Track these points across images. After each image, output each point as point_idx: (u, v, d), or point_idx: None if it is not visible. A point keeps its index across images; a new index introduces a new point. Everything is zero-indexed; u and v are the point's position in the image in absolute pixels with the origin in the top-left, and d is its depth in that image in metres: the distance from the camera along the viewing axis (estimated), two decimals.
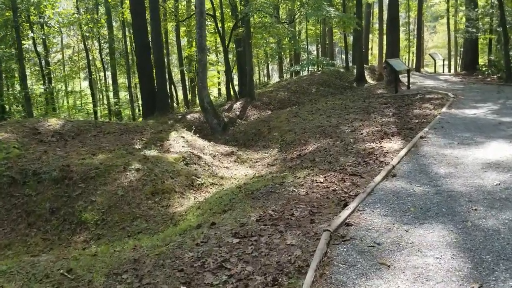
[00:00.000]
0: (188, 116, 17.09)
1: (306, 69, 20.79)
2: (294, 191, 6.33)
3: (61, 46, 29.34)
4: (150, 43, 17.87)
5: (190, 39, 29.45)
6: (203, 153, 10.11)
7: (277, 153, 11.02)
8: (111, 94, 26.44)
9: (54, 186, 7.49)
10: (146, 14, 18.81)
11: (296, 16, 19.10)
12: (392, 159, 7.66)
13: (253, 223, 5.23)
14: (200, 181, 8.30)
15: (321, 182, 6.77)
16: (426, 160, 7.43)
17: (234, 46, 24.85)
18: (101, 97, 29.84)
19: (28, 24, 15.53)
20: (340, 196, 6.02)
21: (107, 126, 10.41)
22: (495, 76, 20.50)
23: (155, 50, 17.82)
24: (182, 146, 10.03)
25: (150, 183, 7.67)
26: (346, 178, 6.93)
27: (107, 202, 7.24)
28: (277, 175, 8.00)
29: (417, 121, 11.11)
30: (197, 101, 35.59)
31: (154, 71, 18.55)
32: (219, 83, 39.77)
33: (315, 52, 42.27)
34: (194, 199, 7.73)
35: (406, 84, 19.08)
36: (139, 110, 38.78)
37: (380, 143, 9.11)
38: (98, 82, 32.72)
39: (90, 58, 29.78)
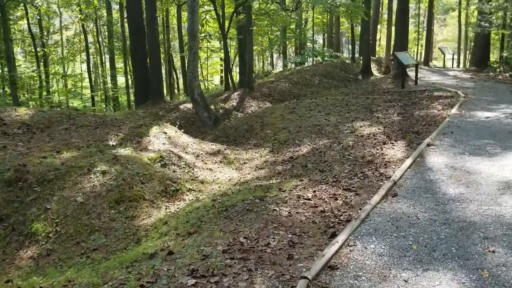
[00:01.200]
0: (181, 106, 16.02)
1: (307, 60, 19.57)
2: (275, 210, 5.29)
3: (59, 27, 28.20)
4: (145, 27, 16.75)
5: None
6: (186, 152, 9.06)
7: (268, 154, 9.96)
8: (108, 79, 25.34)
9: (5, 189, 6.49)
10: None
11: (302, 4, 17.85)
12: (394, 172, 6.59)
13: (218, 255, 4.20)
14: (176, 186, 7.27)
15: (309, 199, 5.72)
16: (433, 175, 6.35)
17: (236, 33, 23.67)
18: (100, 81, 28.77)
19: (15, 2, 14.47)
20: (329, 221, 4.97)
21: (82, 118, 9.36)
22: (508, 74, 19.24)
23: (149, 34, 16.71)
24: (163, 144, 8.99)
25: (116, 189, 6.65)
26: (339, 195, 5.87)
27: (63, 210, 6.24)
28: (261, 183, 6.96)
29: (424, 123, 10.00)
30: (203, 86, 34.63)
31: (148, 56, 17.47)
32: (221, 71, 38.57)
33: (321, 42, 40.91)
34: (166, 209, 6.71)
35: (414, 79, 17.90)
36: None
37: (382, 149, 8.03)
38: (99, 66, 31.69)
39: (90, 41, 28.72)
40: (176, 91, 32.37)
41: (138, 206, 6.55)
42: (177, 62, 36.51)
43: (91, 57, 29.24)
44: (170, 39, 33.08)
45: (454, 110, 11.01)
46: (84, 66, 33.85)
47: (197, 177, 8.15)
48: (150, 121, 9.79)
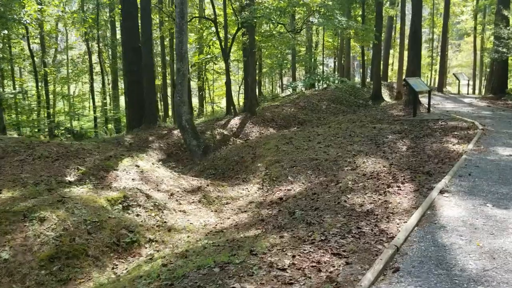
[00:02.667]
0: (175, 132, 14.80)
1: (309, 85, 18.27)
2: None
3: (62, 47, 27.46)
4: (140, 47, 15.70)
5: (198, 46, 27.32)
6: (158, 190, 7.74)
7: (257, 192, 8.60)
8: (108, 100, 24.36)
9: None
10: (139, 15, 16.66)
11: (303, 25, 16.69)
12: (398, 229, 5.18)
13: None
14: (132, 237, 5.93)
15: (284, 269, 4.33)
16: (447, 237, 4.91)
17: (242, 55, 22.57)
18: (101, 102, 27.88)
19: (2, 20, 13.62)
20: None
21: (42, 148, 8.13)
22: None
23: (145, 54, 15.62)
24: (132, 179, 7.69)
25: (52, 242, 5.33)
26: (325, 263, 4.47)
27: None
28: (236, 236, 5.59)
29: (436, 160, 8.55)
30: (206, 110, 33.48)
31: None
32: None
33: (332, 65, 39.73)
34: (112, 268, 5.37)
35: (426, 106, 16.47)
36: None
37: (385, 194, 6.61)
38: (107, 86, 30.88)
39: (95, 61, 27.91)
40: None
41: (77, 264, 5.21)
42: None
43: (95, 77, 28.38)
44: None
45: (471, 145, 9.54)
46: (96, 85, 33.19)
47: (165, 222, 6.80)
48: (123, 152, 8.52)
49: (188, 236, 6.34)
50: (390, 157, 9.06)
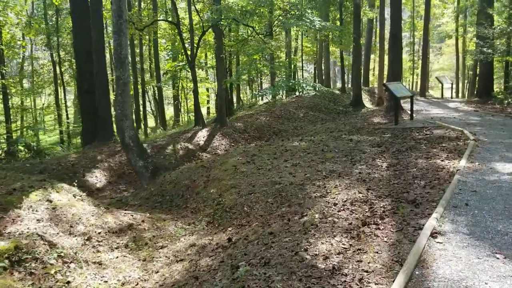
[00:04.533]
0: None
1: (280, 93, 16.59)
2: None
3: (22, 56, 25.39)
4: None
5: (170, 53, 25.52)
6: (71, 233, 5.93)
7: (204, 229, 6.84)
8: (68, 112, 22.39)
9: None
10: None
11: (273, 28, 15.07)
12: None
13: None
14: None
15: None
16: None
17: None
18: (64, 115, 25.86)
19: None
20: None
21: None
22: None
23: (96, 61, 13.79)
24: (37, 221, 5.87)
25: None
26: None
27: None
28: None
29: (423, 183, 6.88)
30: (183, 121, 31.58)
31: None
32: (208, 101, 35.70)
33: (312, 71, 38.20)
34: None
35: (409, 112, 14.90)
36: None
37: (359, 239, 4.91)
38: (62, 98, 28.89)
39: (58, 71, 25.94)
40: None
41: None
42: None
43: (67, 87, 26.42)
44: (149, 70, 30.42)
45: (463, 161, 7.89)
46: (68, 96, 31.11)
47: (68, 282, 5.00)
48: (33, 183, 6.69)
49: None
50: (368, 178, 7.37)
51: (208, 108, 35.82)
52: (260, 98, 32.09)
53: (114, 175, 11.53)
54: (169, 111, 38.26)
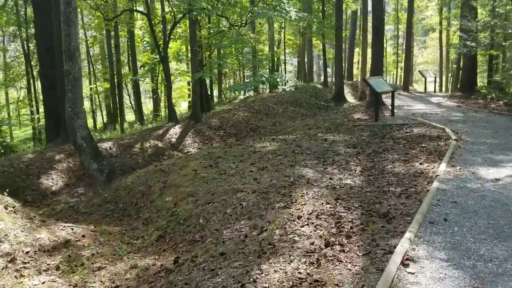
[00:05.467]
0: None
1: (249, 89, 15.72)
2: None
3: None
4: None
5: (146, 45, 24.41)
6: None
7: (152, 244, 6.01)
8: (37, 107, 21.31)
9: None
10: None
11: (247, 18, 14.14)
12: None
13: None
14: None
15: None
16: None
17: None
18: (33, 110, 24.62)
19: None
20: None
21: None
22: (502, 102, 15.61)
23: (58, 56, 12.76)
24: None
25: None
26: None
27: None
28: None
29: (399, 191, 6.12)
30: (162, 116, 30.52)
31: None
32: (189, 95, 34.62)
33: (296, 64, 37.35)
34: None
35: (390, 108, 14.17)
36: (103, 120, 33.69)
37: (318, 265, 4.14)
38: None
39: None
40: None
41: None
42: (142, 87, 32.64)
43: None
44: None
45: (443, 165, 7.15)
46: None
47: None
48: None
49: None
50: (339, 185, 6.59)
51: (190, 102, 34.73)
52: (242, 92, 31.23)
53: (73, 176, 10.61)
54: (150, 105, 37.14)
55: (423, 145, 8.88)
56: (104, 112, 32.01)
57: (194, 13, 13.85)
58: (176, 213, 6.54)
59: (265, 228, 5.40)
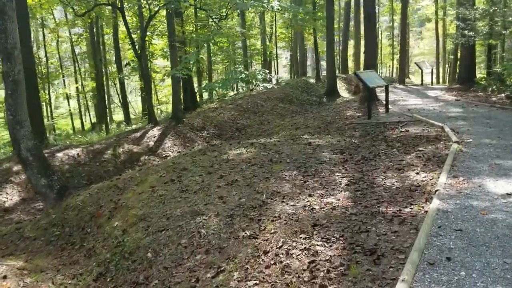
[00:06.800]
0: (60, 154, 10.87)
1: (228, 87, 14.53)
2: None
3: None
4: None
5: (129, 43, 23.15)
6: None
7: (90, 286, 4.84)
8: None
9: None
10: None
11: (228, 10, 12.93)
12: None
13: None
14: None
15: None
16: None
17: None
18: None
19: None
20: None
21: None
22: (503, 95, 14.40)
23: (23, 54, 11.52)
24: None
25: None
26: None
27: None
28: None
29: (390, 215, 4.94)
30: (156, 112, 29.27)
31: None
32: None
33: (288, 58, 36.09)
34: None
35: (384, 103, 12.97)
36: (91, 120, 32.39)
37: None
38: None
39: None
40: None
41: None
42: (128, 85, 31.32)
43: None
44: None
45: (444, 177, 5.95)
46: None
47: None
48: None
49: None
50: (318, 205, 5.40)
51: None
52: (238, 88, 29.94)
53: (31, 190, 9.43)
54: (137, 104, 35.90)
55: (420, 148, 7.69)
56: (92, 113, 30.78)
57: (172, 6, 12.61)
58: (122, 243, 5.37)
59: (222, 269, 4.25)
